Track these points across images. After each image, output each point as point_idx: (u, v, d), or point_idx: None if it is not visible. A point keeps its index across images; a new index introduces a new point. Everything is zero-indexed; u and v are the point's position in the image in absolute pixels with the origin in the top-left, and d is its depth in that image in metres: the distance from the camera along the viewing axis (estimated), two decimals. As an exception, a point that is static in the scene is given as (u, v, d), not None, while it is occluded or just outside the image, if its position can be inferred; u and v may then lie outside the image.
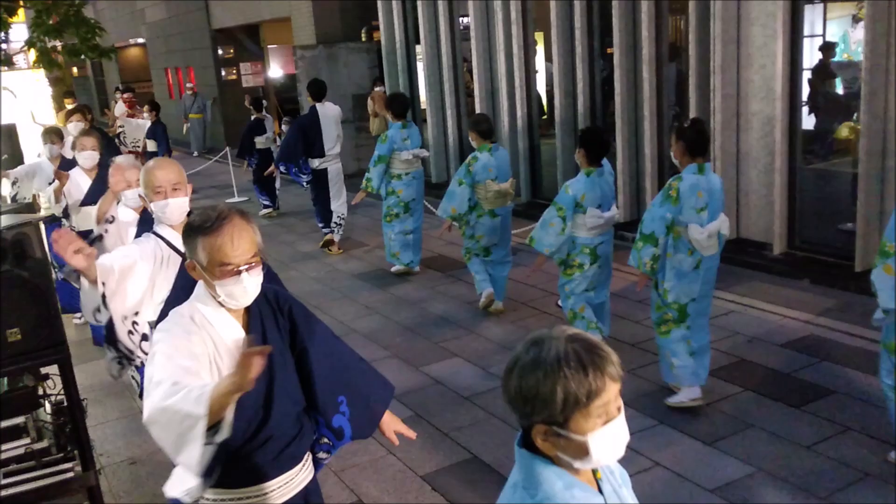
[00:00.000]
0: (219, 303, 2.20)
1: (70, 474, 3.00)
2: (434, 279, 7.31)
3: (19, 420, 3.04)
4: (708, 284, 4.45)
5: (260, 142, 10.71)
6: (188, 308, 2.23)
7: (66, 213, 5.97)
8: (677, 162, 4.42)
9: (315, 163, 8.26)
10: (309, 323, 2.37)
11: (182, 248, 3.10)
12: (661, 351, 4.65)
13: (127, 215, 4.04)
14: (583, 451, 1.47)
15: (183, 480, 2.09)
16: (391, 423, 2.56)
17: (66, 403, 3.09)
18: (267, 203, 10.92)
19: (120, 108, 13.31)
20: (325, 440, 2.44)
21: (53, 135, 6.80)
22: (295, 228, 10.01)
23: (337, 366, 2.43)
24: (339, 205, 8.43)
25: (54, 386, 3.18)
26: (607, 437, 1.47)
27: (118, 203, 4.30)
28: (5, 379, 3.04)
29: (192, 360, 2.11)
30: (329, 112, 8.25)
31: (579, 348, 1.45)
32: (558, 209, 4.95)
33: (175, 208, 3.12)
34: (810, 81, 7.44)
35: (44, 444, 3.04)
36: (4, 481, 2.90)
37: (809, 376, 4.75)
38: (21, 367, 2.93)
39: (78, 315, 6.96)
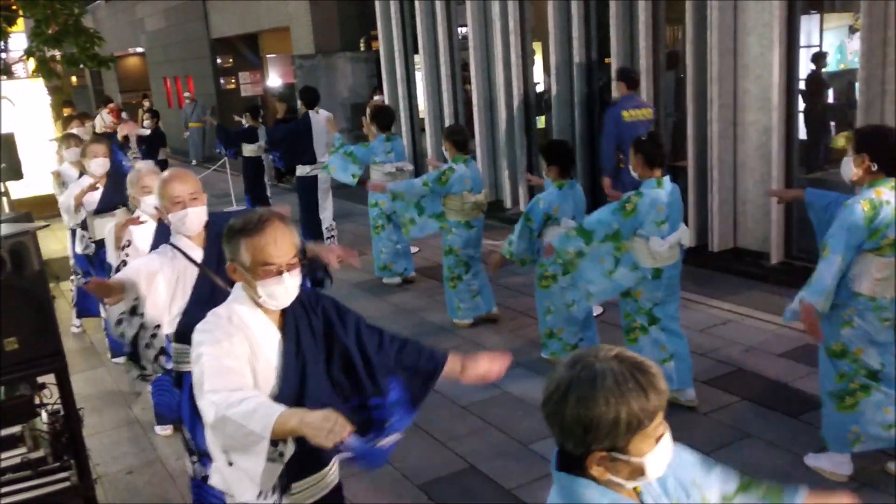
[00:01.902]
0: (257, 304, 2.25)
1: (66, 483, 3.00)
2: (432, 288, 7.31)
3: (16, 429, 3.04)
4: (671, 290, 4.56)
5: (251, 150, 10.64)
6: (225, 310, 2.27)
7: (84, 225, 5.92)
8: (636, 175, 4.47)
9: (306, 169, 8.26)
10: (343, 318, 2.39)
11: (198, 259, 3.12)
12: None
13: (143, 240, 3.92)
14: (638, 472, 1.45)
15: (239, 484, 2.15)
16: (471, 367, 2.55)
17: (62, 412, 3.09)
18: None
19: (106, 120, 13.27)
20: (388, 422, 2.37)
21: (73, 139, 6.75)
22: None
23: (379, 353, 2.42)
24: (326, 214, 8.42)
25: (51, 395, 3.18)
26: (660, 453, 1.46)
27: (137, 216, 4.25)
28: (2, 388, 3.04)
29: (236, 361, 2.17)
30: (321, 119, 8.26)
31: (633, 369, 1.40)
32: (527, 220, 5.10)
33: (194, 218, 3.11)
34: (802, 93, 7.47)
35: (40, 453, 3.03)
36: (0, 490, 2.90)
37: (807, 386, 4.74)
38: (18, 376, 2.93)
39: (76, 323, 6.95)
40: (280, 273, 2.18)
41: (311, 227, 8.42)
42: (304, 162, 8.23)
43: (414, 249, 8.25)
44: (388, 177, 7.28)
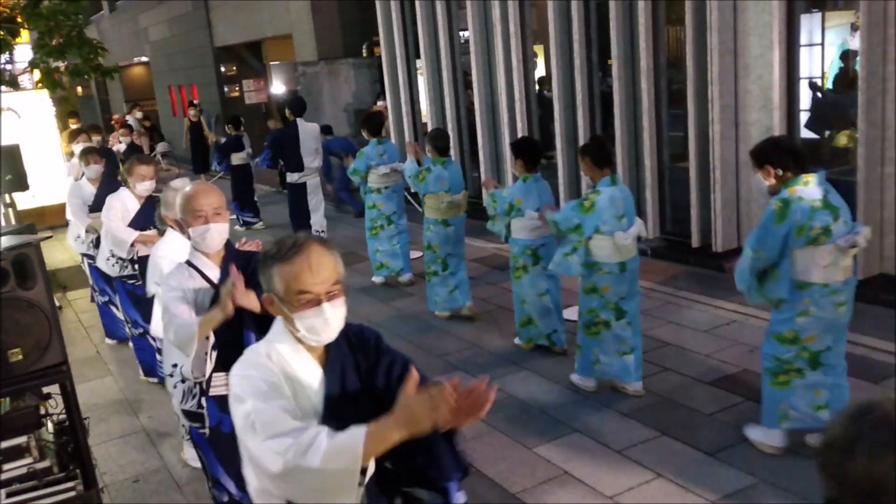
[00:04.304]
0: (297, 339, 2.01)
1: (72, 493, 3.02)
2: (436, 293, 7.32)
3: (21, 440, 3.07)
4: (633, 283, 4.83)
5: (238, 158, 11.00)
6: (265, 346, 2.05)
7: (97, 243, 5.78)
8: (588, 177, 4.85)
9: (294, 177, 8.47)
10: (393, 362, 2.09)
11: (216, 280, 2.97)
12: (583, 350, 4.94)
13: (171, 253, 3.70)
14: None
15: None
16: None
17: (67, 423, 3.11)
18: (249, 218, 11.23)
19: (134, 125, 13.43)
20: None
21: (94, 154, 6.39)
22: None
23: None
24: (318, 217, 8.57)
25: (56, 405, 3.20)
26: None
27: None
28: (7, 399, 3.06)
29: (282, 399, 1.94)
30: (308, 128, 8.46)
31: None
32: (493, 200, 5.48)
33: (216, 234, 2.96)
34: (824, 90, 7.41)
35: (46, 463, 3.06)
36: (7, 501, 2.92)
37: (811, 385, 4.73)
38: (22, 387, 2.96)
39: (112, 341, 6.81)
40: (319, 303, 1.93)
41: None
42: (292, 169, 8.44)
43: (417, 254, 8.27)
44: (383, 178, 7.48)
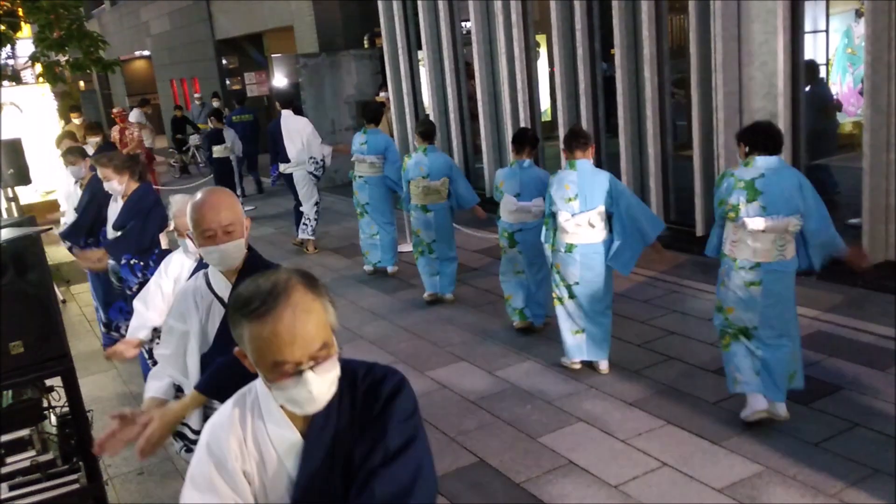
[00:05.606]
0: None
1: (76, 486, 3.02)
2: (440, 284, 7.31)
3: (24, 432, 3.06)
4: (589, 271, 4.91)
5: (218, 151, 10.99)
6: (250, 394, 1.75)
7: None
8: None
9: (282, 167, 8.86)
10: (372, 423, 1.67)
11: (225, 298, 2.60)
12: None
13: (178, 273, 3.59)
14: None
15: None
16: None
17: (70, 415, 3.11)
18: None
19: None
20: None
21: (74, 155, 6.06)
22: (288, 232, 10.01)
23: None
24: (308, 207, 8.87)
25: (59, 398, 3.19)
26: None
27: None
28: (9, 392, 3.06)
29: (222, 495, 1.66)
30: (291, 124, 8.72)
31: None
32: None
33: (227, 256, 2.53)
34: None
35: (49, 456, 3.05)
36: (10, 494, 2.92)
37: (817, 373, 4.71)
38: (24, 379, 2.95)
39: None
40: (300, 373, 1.56)
41: (296, 219, 9.08)
42: (280, 159, 8.83)
43: (407, 248, 8.21)
44: (358, 167, 7.65)
